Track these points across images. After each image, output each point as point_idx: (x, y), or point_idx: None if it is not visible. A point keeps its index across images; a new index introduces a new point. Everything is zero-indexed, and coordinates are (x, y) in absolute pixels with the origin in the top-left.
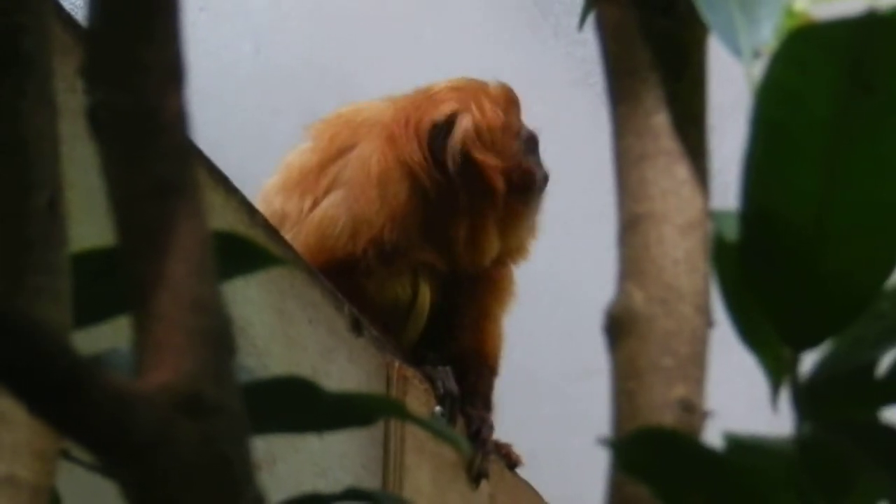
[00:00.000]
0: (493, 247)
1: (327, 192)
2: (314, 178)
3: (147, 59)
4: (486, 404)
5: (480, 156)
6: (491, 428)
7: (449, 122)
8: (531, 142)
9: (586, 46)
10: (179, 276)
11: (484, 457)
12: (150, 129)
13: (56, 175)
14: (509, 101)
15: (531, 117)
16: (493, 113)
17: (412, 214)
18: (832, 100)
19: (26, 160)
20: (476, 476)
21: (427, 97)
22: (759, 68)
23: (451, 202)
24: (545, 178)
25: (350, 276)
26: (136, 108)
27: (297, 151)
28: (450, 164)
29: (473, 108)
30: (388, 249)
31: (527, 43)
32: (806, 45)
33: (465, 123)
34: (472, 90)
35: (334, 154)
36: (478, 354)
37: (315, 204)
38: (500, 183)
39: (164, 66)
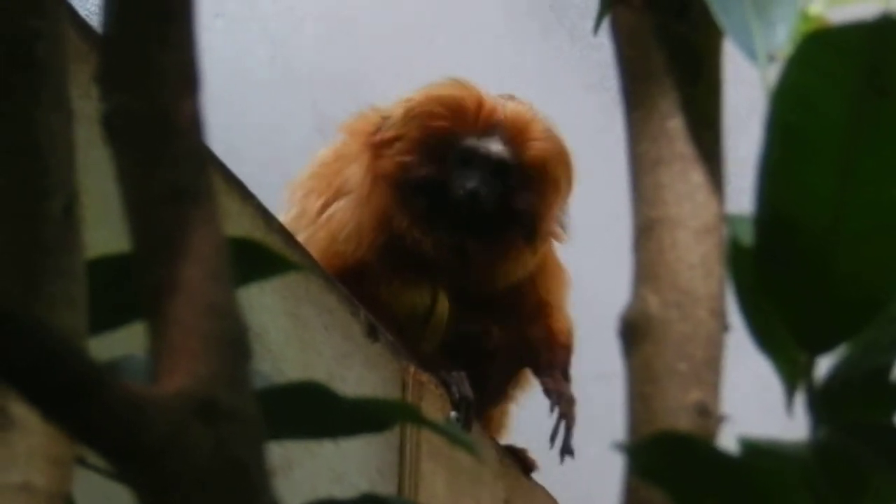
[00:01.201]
0: (414, 241)
1: (338, 194)
2: (329, 176)
3: (162, 65)
4: (565, 376)
5: (386, 142)
6: (570, 400)
7: (387, 118)
8: (463, 153)
9: (601, 50)
10: (195, 281)
11: (567, 430)
12: (165, 134)
13: (71, 181)
14: (455, 103)
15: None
16: (426, 102)
17: (392, 215)
18: (847, 103)
19: (42, 166)
20: (561, 451)
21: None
22: (774, 72)
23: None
24: (445, 188)
25: (362, 283)
26: (151, 114)
27: (329, 146)
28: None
29: (410, 102)
30: (390, 254)
31: (542, 47)
32: (821, 48)
33: (394, 115)
34: (438, 88)
35: (352, 153)
36: (546, 337)
37: (326, 204)
38: (381, 170)
39: (179, 72)
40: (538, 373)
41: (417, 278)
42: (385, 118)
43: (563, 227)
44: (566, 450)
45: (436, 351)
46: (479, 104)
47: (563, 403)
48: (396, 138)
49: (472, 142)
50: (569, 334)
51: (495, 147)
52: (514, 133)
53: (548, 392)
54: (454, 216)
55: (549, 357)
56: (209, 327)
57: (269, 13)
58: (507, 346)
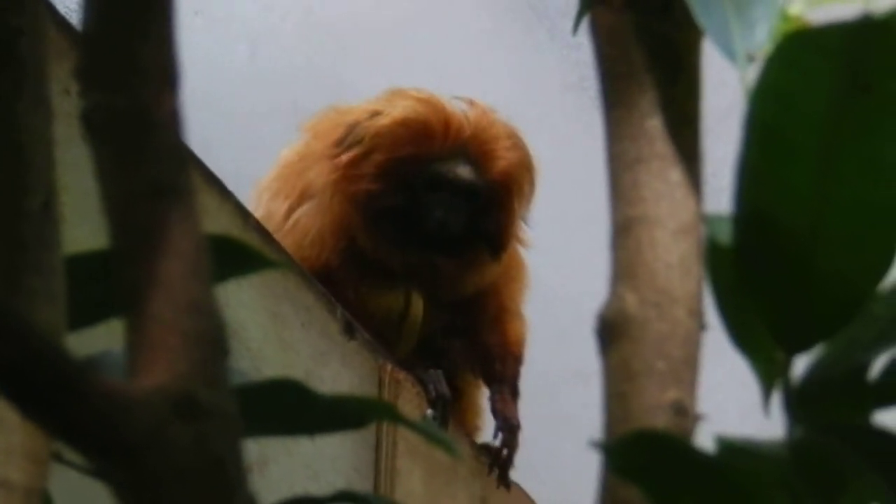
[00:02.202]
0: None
1: (302, 198)
2: (293, 177)
3: (141, 62)
4: (514, 391)
5: (354, 158)
6: (514, 430)
7: (352, 129)
8: (429, 178)
9: (581, 50)
10: (174, 277)
11: (504, 463)
12: (144, 131)
13: (51, 177)
14: (424, 127)
15: (525, 121)
16: (392, 125)
17: (352, 222)
18: (827, 103)
19: (21, 163)
20: (500, 481)
21: (340, 113)
22: (753, 72)
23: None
24: (413, 215)
25: (332, 286)
26: (131, 111)
27: (290, 147)
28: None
29: (379, 119)
30: (353, 259)
31: (521, 46)
32: (801, 48)
33: (362, 129)
34: (409, 99)
35: (314, 153)
36: (501, 344)
37: (290, 209)
38: (344, 189)
39: (159, 69)
40: (489, 384)
41: (388, 282)
42: (350, 127)
43: (526, 226)
44: (504, 481)
45: (412, 351)
46: (446, 125)
47: (506, 432)
48: (362, 158)
49: (439, 167)
50: (522, 343)
51: (462, 171)
52: (481, 153)
53: (495, 413)
54: (422, 239)
55: (501, 369)
56: (188, 324)
57: (249, 11)
58: (463, 350)
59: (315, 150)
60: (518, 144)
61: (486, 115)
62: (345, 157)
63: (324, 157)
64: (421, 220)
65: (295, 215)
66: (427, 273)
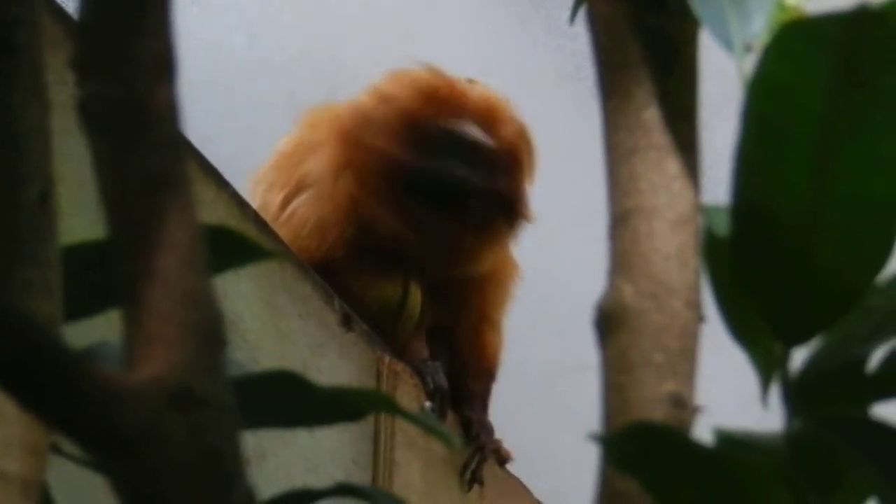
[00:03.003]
0: (404, 238)
1: (298, 188)
2: (289, 168)
3: (138, 51)
4: (484, 407)
5: (364, 137)
6: (490, 432)
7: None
8: (450, 142)
9: (577, 40)
10: (170, 268)
11: (480, 462)
12: (140, 121)
13: (47, 168)
14: (433, 91)
15: (521, 111)
16: (402, 99)
17: (359, 207)
18: (823, 94)
19: (17, 153)
20: (470, 480)
21: (374, 87)
22: (750, 63)
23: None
24: (423, 175)
25: (332, 277)
26: (127, 101)
27: (284, 138)
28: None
29: (385, 98)
30: (356, 248)
31: (517, 36)
32: (797, 39)
33: (367, 107)
34: (409, 77)
35: (310, 145)
36: (477, 358)
37: (286, 199)
38: (359, 160)
39: (156, 59)
40: (458, 397)
41: (387, 270)
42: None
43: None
44: (476, 479)
45: (413, 340)
46: (451, 88)
47: (482, 434)
48: (370, 125)
49: (453, 126)
50: (497, 358)
51: (475, 131)
52: (486, 116)
53: (467, 420)
54: (439, 203)
55: (473, 385)
56: (184, 315)
57: (246, 0)
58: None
59: (310, 141)
60: (518, 120)
61: (489, 88)
62: (353, 128)
63: (320, 147)
64: (442, 181)
65: (292, 206)
66: (438, 246)
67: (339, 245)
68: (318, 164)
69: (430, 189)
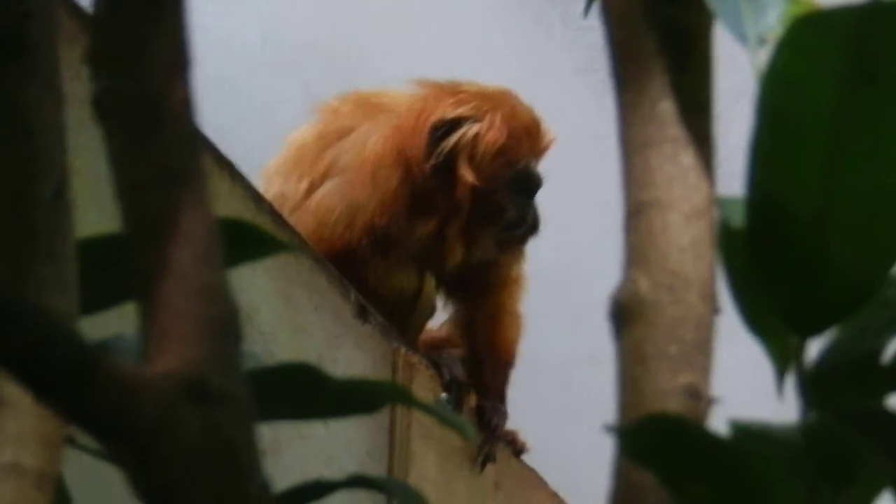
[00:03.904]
0: (454, 255)
1: (325, 176)
2: (312, 157)
3: (153, 46)
4: (501, 398)
5: (462, 166)
6: (504, 416)
7: (454, 124)
8: (529, 182)
9: (592, 33)
10: (185, 263)
11: (493, 443)
12: (155, 116)
13: (62, 163)
14: (526, 130)
15: (536, 104)
16: (498, 133)
17: (400, 201)
18: (837, 87)
19: (33, 148)
20: (483, 461)
21: (452, 93)
22: (764, 55)
23: (430, 199)
24: (522, 223)
25: (350, 266)
26: (142, 96)
27: (299, 130)
28: (432, 161)
29: (485, 120)
30: (381, 237)
31: (532, 29)
32: (811, 32)
33: (467, 131)
34: (496, 102)
35: (334, 133)
36: (493, 348)
37: (312, 187)
38: (465, 199)
39: (170, 54)
40: (477, 388)
41: (403, 261)
42: (437, 127)
43: None
44: (489, 459)
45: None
46: (539, 127)
47: (495, 418)
48: (475, 161)
49: (535, 170)
50: (515, 348)
51: (540, 170)
52: (544, 152)
53: (482, 408)
54: (508, 236)
55: (491, 377)
56: (200, 309)
57: None
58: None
59: (335, 129)
60: None
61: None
62: (434, 162)
63: (346, 134)
64: (516, 220)
65: (318, 193)
66: (480, 263)
67: (364, 233)
68: (348, 151)
69: (516, 231)
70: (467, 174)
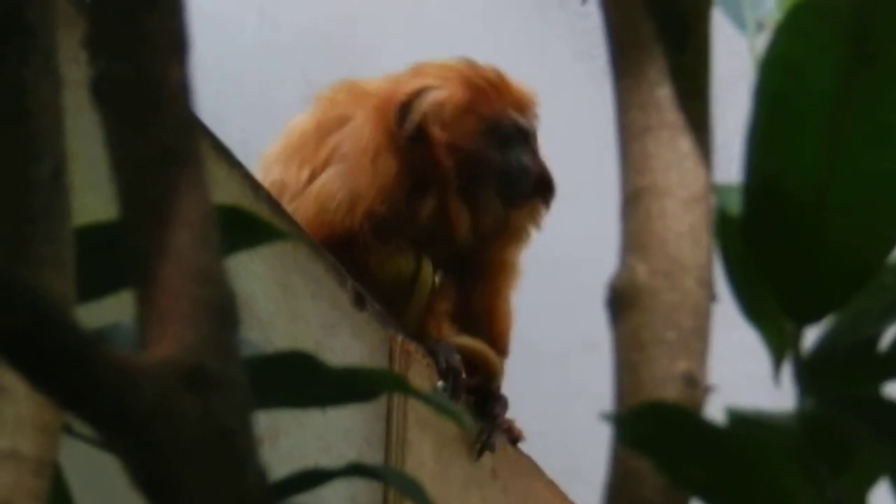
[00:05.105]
0: (461, 225)
1: (326, 164)
2: (313, 145)
3: (150, 29)
4: (496, 394)
5: (434, 132)
6: (504, 406)
7: (415, 98)
8: (508, 131)
9: (590, 19)
10: (183, 247)
11: (491, 432)
12: (153, 100)
13: (59, 146)
14: (489, 83)
15: (534, 89)
16: (458, 90)
17: (400, 186)
18: (836, 72)
19: (30, 131)
20: (480, 448)
21: (413, 72)
22: (762, 41)
23: (422, 177)
24: (510, 171)
25: (350, 252)
26: (140, 79)
27: (297, 118)
28: (405, 136)
29: (443, 86)
30: (382, 223)
31: (530, 15)
32: (810, 16)
33: (427, 99)
34: (455, 68)
35: (333, 121)
36: (488, 336)
37: (313, 175)
38: (447, 162)
39: (168, 37)
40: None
41: (403, 245)
42: (404, 105)
43: None
44: (486, 447)
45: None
46: (501, 79)
47: (497, 405)
48: (446, 127)
49: (512, 119)
50: (509, 335)
51: (524, 120)
52: (526, 105)
53: (483, 396)
54: (508, 191)
55: (483, 374)
56: (197, 293)
57: None
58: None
59: (334, 117)
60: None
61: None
62: (411, 129)
63: (346, 122)
64: (506, 169)
65: (319, 180)
66: (496, 231)
67: (365, 219)
68: (348, 139)
69: (513, 181)
70: (440, 136)
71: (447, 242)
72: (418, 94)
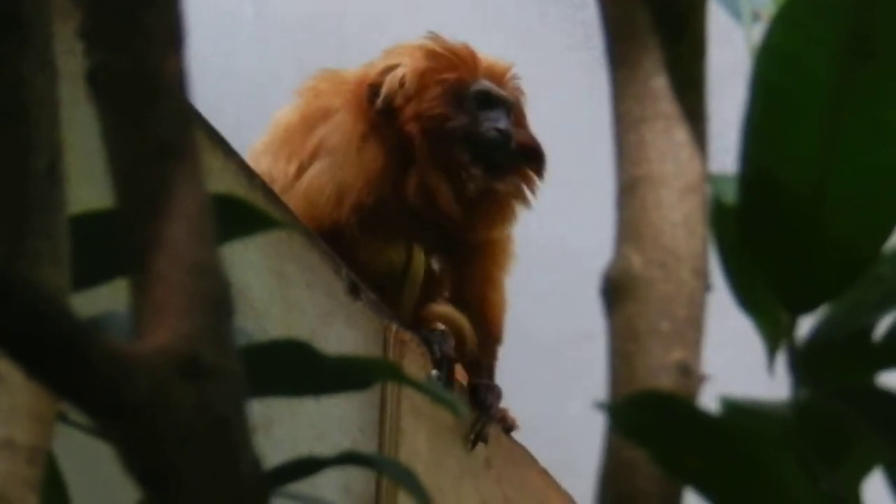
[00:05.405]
0: (444, 197)
1: (313, 157)
2: (299, 137)
3: (147, 21)
4: (490, 374)
5: (400, 104)
6: (498, 396)
7: (382, 77)
8: (476, 97)
9: (585, 9)
10: (179, 238)
11: (485, 422)
12: (149, 91)
13: (56, 138)
14: (453, 53)
15: (530, 80)
16: (420, 62)
17: (386, 174)
18: (832, 63)
19: (26, 124)
20: (474, 439)
21: (384, 55)
22: (758, 32)
23: (403, 153)
24: (479, 134)
25: (338, 244)
26: (136, 71)
27: (284, 110)
28: (376, 114)
29: (405, 62)
30: (369, 215)
31: (526, 5)
32: (806, 8)
33: (392, 75)
34: (420, 46)
35: (318, 113)
36: (481, 323)
37: (301, 169)
38: (415, 129)
39: (164, 29)
40: (466, 366)
41: (392, 237)
42: (373, 86)
43: None
44: (480, 438)
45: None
46: (467, 50)
47: (490, 396)
48: (411, 98)
49: (482, 85)
50: (502, 322)
51: (497, 88)
52: (500, 74)
53: (476, 386)
54: (489, 157)
55: (478, 352)
56: (193, 284)
57: None
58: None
59: (319, 109)
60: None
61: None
62: (382, 104)
63: (331, 114)
64: (484, 136)
65: (308, 174)
66: (482, 204)
67: (354, 211)
68: (334, 131)
69: (486, 143)
70: (406, 108)
71: (437, 222)
72: (385, 72)
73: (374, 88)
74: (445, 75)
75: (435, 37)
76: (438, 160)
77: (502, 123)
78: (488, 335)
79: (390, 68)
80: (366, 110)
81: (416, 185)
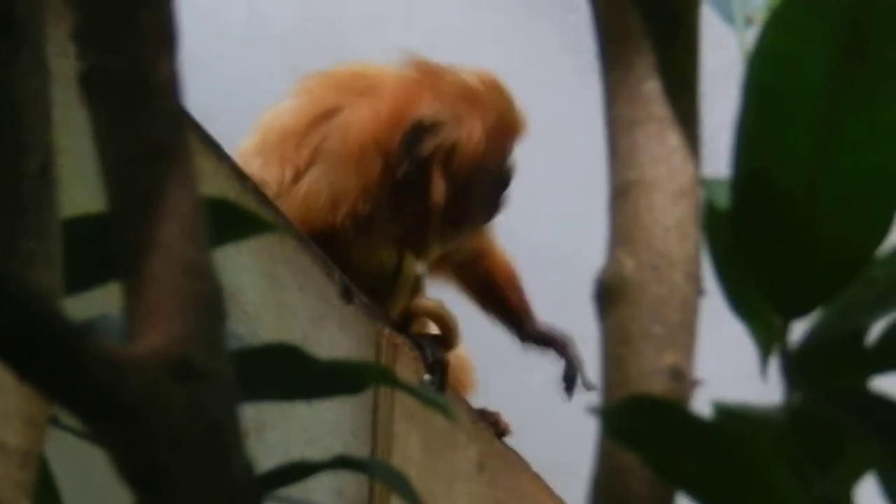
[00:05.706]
0: (431, 249)
1: (310, 163)
2: (295, 143)
3: (140, 23)
4: (530, 315)
5: (436, 175)
6: (571, 342)
7: (432, 127)
8: (503, 183)
9: (578, 12)
10: (171, 240)
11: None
12: (142, 93)
13: (48, 140)
14: (508, 133)
15: (522, 83)
16: (477, 144)
17: (382, 189)
18: (826, 65)
19: (18, 125)
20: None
21: (433, 85)
22: (751, 35)
23: (406, 194)
24: (492, 214)
25: (332, 247)
26: (129, 73)
27: (277, 111)
28: (406, 164)
29: (464, 128)
30: (364, 221)
31: (518, 8)
32: (799, 10)
33: (443, 137)
34: (479, 104)
35: (318, 117)
36: (500, 271)
37: (297, 175)
38: (438, 205)
39: (157, 31)
40: (503, 317)
41: (385, 239)
42: (410, 133)
43: None
44: (588, 385)
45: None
46: (522, 128)
47: (566, 346)
48: (448, 170)
49: (508, 167)
50: (513, 266)
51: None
52: (523, 134)
53: (542, 339)
54: (490, 209)
55: (516, 302)
56: (185, 287)
57: None
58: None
59: (316, 112)
60: None
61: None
62: (406, 168)
63: (327, 117)
64: (490, 212)
65: (305, 181)
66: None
67: (347, 217)
68: (335, 136)
69: (489, 217)
70: (440, 185)
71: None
72: (431, 126)
73: (412, 134)
74: (490, 160)
75: (491, 88)
76: (443, 228)
77: (502, 202)
78: (509, 280)
79: (437, 124)
80: (382, 133)
81: (410, 221)
